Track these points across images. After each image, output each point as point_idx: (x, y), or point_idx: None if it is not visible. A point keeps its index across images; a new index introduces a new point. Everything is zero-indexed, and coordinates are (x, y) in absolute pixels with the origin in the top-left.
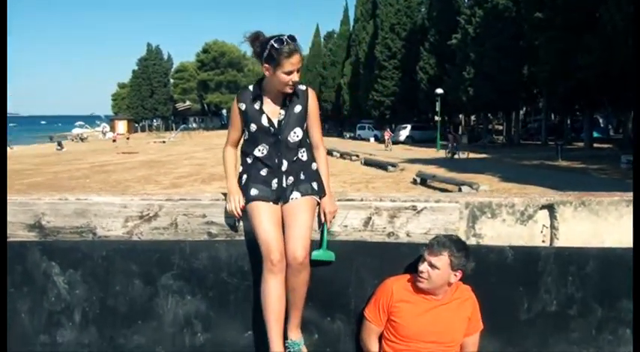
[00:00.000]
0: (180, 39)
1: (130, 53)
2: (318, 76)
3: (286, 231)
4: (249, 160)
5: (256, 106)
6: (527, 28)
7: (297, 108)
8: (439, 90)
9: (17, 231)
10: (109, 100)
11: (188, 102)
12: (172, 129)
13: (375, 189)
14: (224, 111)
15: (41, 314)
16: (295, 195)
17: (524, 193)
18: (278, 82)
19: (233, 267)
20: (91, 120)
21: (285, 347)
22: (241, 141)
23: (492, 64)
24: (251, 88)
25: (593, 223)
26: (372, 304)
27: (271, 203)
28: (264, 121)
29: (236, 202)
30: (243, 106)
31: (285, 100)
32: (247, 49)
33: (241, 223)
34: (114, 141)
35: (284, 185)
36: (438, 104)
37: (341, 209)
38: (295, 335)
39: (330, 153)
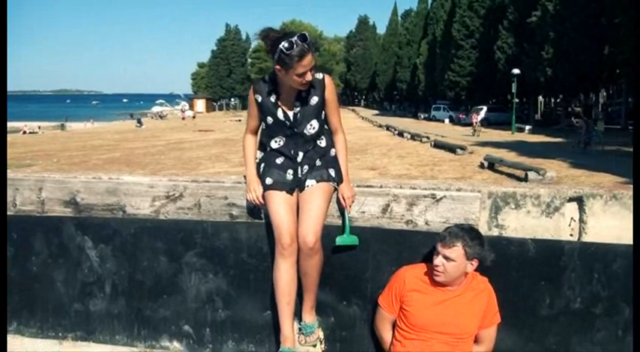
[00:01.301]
0: (258, 19)
1: (210, 34)
2: (393, 56)
3: (299, 216)
4: (267, 149)
5: (272, 99)
6: (607, 5)
7: (314, 100)
8: (516, 71)
9: (54, 207)
10: (188, 80)
11: None
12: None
13: (441, 172)
14: None
15: (75, 285)
16: (310, 182)
17: (591, 181)
18: (291, 82)
19: (253, 249)
20: (171, 98)
21: (299, 329)
22: (260, 129)
23: (572, 44)
24: (267, 78)
25: (624, 218)
26: (386, 292)
27: (285, 192)
28: (280, 115)
29: (257, 192)
30: (259, 98)
31: (301, 92)
32: (324, 29)
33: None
34: (182, 119)
35: (299, 175)
36: (514, 85)
37: (359, 195)
38: (309, 318)
39: (401, 134)
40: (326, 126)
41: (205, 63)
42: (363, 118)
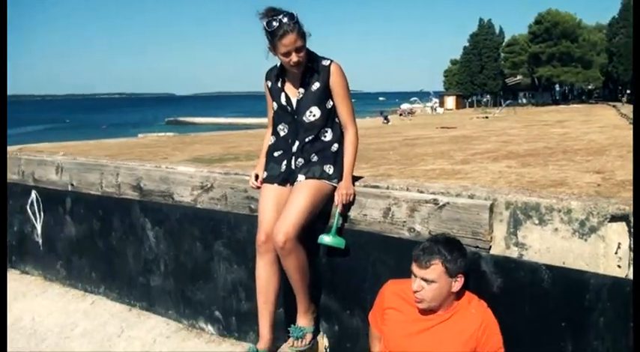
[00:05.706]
0: (512, 11)
1: (463, 29)
2: None
3: None
4: (272, 139)
5: (279, 84)
6: None
7: (315, 86)
8: None
9: (127, 190)
10: (439, 77)
11: (518, 77)
12: (500, 105)
13: None
14: (556, 86)
15: (140, 260)
16: (300, 177)
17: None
18: (283, 63)
19: None
20: (421, 96)
21: (288, 331)
22: None
23: None
24: (278, 64)
25: None
26: (374, 306)
27: (276, 185)
28: (283, 100)
29: (252, 179)
30: (269, 84)
31: (305, 78)
32: (583, 17)
33: None
34: (400, 114)
35: (292, 166)
36: None
37: (360, 196)
38: (303, 322)
39: None
40: (336, 120)
41: (457, 59)
42: (622, 115)
